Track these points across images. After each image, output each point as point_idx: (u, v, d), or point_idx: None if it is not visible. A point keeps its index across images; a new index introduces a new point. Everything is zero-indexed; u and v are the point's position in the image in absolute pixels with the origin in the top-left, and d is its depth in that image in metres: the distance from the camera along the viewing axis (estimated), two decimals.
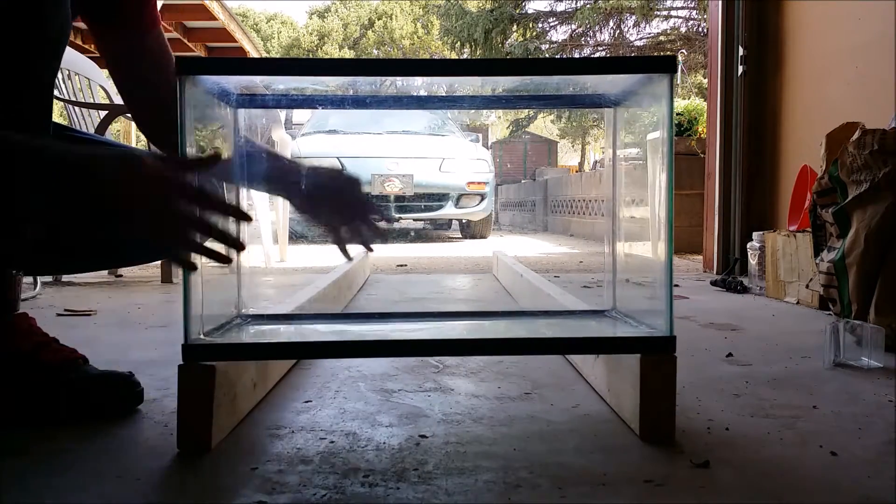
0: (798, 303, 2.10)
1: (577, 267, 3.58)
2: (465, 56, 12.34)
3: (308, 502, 0.70)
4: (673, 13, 11.72)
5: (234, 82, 0.97)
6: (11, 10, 0.82)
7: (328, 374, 1.21)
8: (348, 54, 25.34)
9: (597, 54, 11.87)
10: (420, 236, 6.85)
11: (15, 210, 0.70)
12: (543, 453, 0.83)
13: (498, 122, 24.26)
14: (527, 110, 12.99)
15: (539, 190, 9.79)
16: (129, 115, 1.00)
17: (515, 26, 12.22)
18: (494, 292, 2.50)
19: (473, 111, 17.07)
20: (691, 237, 3.90)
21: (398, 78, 0.99)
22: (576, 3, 11.79)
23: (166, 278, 2.67)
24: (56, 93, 2.73)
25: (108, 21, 0.99)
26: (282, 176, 1.05)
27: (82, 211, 0.70)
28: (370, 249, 1.05)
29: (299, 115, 8.48)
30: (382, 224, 1.02)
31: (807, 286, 2.04)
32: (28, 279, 2.41)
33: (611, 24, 11.84)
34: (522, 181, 12.67)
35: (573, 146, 24.83)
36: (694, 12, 11.32)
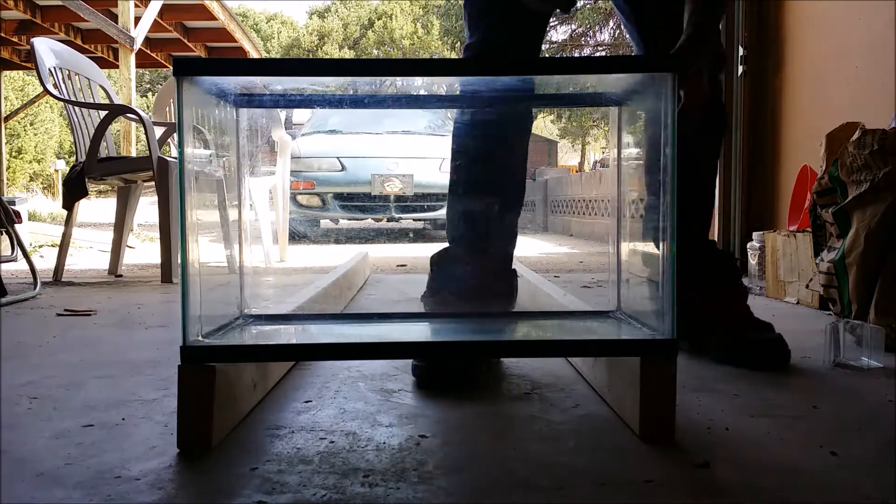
0: (798, 303, 2.10)
1: (578, 267, 3.58)
2: None
3: (308, 502, 0.70)
4: None
5: (234, 83, 0.97)
6: None
7: (328, 373, 1.21)
8: (348, 54, 25.34)
9: (597, 54, 11.86)
10: (420, 236, 6.85)
11: None
12: (543, 453, 0.83)
13: None
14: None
15: (539, 190, 9.79)
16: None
17: None
18: None
19: None
20: None
21: (398, 78, 0.99)
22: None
23: (166, 278, 2.67)
24: (56, 92, 2.74)
25: None
26: None
27: None
28: None
29: (299, 115, 8.47)
30: None
31: (807, 286, 2.04)
32: (28, 279, 2.41)
33: (611, 24, 11.84)
34: None
35: (573, 146, 24.84)
36: None
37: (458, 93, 1.20)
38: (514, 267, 1.43)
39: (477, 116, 1.37)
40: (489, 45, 1.35)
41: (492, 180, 1.39)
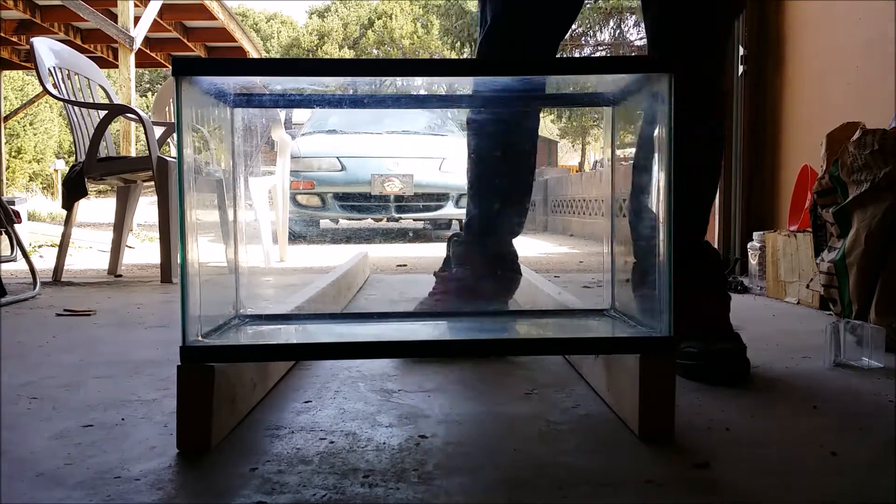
0: (798, 303, 2.10)
1: (577, 267, 3.58)
2: (465, 56, 12.33)
3: (308, 502, 0.69)
4: None
5: (232, 82, 0.97)
6: None
7: (328, 374, 1.21)
8: (348, 54, 25.34)
9: (597, 54, 11.87)
10: (420, 236, 6.85)
11: None
12: (543, 453, 0.83)
13: None
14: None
15: (539, 190, 9.78)
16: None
17: None
18: None
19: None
20: None
21: (398, 78, 0.98)
22: None
23: (166, 278, 2.67)
24: (55, 92, 2.74)
25: None
26: None
27: None
28: None
29: (299, 114, 8.47)
30: None
31: (807, 286, 2.03)
32: (28, 279, 2.41)
33: (611, 23, 11.85)
34: None
35: (573, 146, 24.84)
36: None
37: (458, 92, 1.19)
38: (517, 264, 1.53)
39: (491, 113, 1.42)
40: (509, 26, 1.32)
41: (506, 175, 1.47)
